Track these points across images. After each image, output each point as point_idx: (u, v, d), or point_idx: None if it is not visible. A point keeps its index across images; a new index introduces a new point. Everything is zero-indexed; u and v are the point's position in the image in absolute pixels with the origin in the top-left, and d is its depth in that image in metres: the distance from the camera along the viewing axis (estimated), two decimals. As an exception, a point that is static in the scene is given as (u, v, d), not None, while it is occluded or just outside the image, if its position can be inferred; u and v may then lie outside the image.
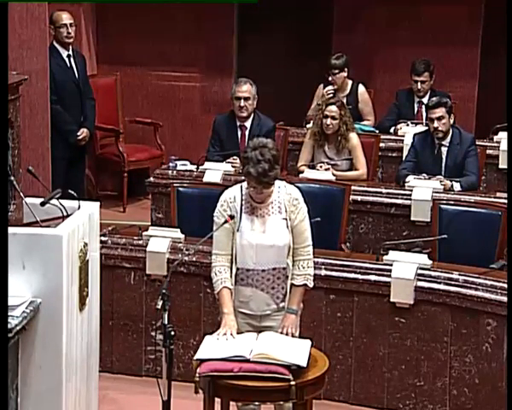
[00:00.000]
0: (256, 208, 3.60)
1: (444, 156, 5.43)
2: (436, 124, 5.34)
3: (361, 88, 6.46)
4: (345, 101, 6.24)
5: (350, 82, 6.46)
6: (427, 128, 5.57)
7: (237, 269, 3.60)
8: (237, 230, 3.58)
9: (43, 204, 3.66)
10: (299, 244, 3.62)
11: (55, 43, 5.93)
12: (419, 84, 6.32)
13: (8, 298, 3.13)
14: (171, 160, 5.73)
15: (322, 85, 6.49)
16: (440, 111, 5.34)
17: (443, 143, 5.41)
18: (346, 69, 6.37)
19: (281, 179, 3.67)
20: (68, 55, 6.04)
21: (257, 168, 3.47)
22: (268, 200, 3.60)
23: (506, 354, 3.78)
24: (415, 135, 5.59)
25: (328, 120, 5.55)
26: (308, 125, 6.05)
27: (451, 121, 5.40)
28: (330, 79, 6.36)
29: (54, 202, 3.65)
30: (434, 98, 5.56)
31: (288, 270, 3.62)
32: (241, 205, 3.59)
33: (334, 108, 5.57)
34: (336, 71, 6.35)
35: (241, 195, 3.61)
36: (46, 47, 4.80)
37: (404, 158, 5.69)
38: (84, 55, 6.50)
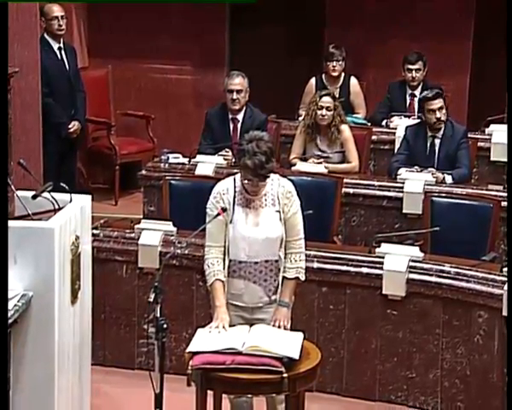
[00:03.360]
0: (249, 200, 3.60)
1: (437, 149, 5.44)
2: (438, 114, 5.35)
3: (353, 80, 6.48)
4: (337, 93, 6.26)
5: (342, 74, 6.48)
6: (419, 121, 5.58)
7: (230, 261, 3.60)
8: (230, 222, 3.57)
9: (34, 197, 3.65)
10: (292, 237, 3.62)
11: (45, 35, 5.90)
12: (414, 72, 6.32)
13: (7, 295, 3.12)
14: (163, 153, 5.72)
15: (313, 80, 6.49)
16: (440, 102, 5.36)
17: (437, 135, 5.43)
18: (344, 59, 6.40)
19: (274, 172, 3.67)
20: (59, 48, 6.01)
21: (253, 160, 3.47)
22: (261, 192, 3.60)
23: (506, 350, 3.79)
24: (407, 127, 5.60)
25: (324, 111, 5.55)
26: (300, 118, 6.05)
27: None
28: (331, 66, 6.34)
29: (45, 195, 3.64)
30: (430, 90, 5.55)
31: (280, 263, 3.62)
32: (234, 197, 3.59)
33: (328, 98, 5.58)
34: (340, 58, 6.35)
35: (234, 187, 3.60)
36: (37, 40, 4.78)
37: (396, 150, 5.70)
38: (76, 48, 6.48)
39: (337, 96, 6.06)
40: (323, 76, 6.49)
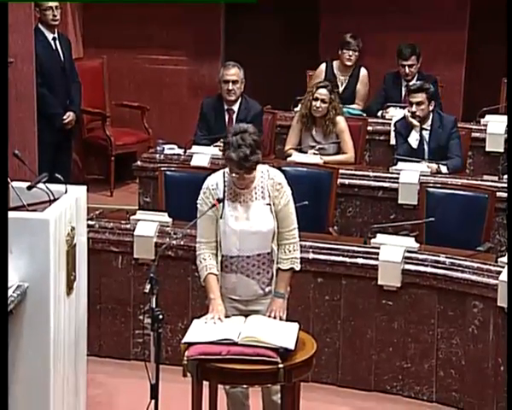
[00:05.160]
0: (239, 195, 3.58)
1: (426, 140, 5.45)
2: (414, 108, 5.38)
3: (363, 71, 6.51)
4: (345, 81, 6.28)
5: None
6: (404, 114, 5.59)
7: (222, 256, 3.60)
8: (220, 217, 3.56)
9: (29, 188, 3.64)
10: (285, 228, 3.61)
11: (40, 25, 5.87)
12: (406, 68, 6.34)
13: (7, 290, 3.12)
14: (159, 143, 5.72)
15: (324, 65, 6.49)
16: (421, 96, 5.37)
17: (424, 126, 5.44)
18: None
19: (264, 163, 3.66)
20: (54, 38, 5.99)
21: (238, 153, 3.46)
22: (251, 185, 3.59)
23: (506, 343, 3.81)
24: (396, 123, 5.61)
25: (318, 103, 5.55)
26: (296, 109, 6.05)
27: (431, 108, 5.41)
28: (347, 55, 6.37)
29: (40, 186, 3.63)
30: (417, 83, 5.58)
31: (273, 254, 3.62)
32: (224, 192, 3.57)
33: (324, 91, 5.57)
34: (356, 48, 6.38)
35: (224, 181, 3.59)
36: (31, 30, 4.77)
37: (394, 144, 5.68)
38: (70, 39, 6.45)
39: (345, 84, 6.19)
40: (334, 63, 6.49)
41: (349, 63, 6.42)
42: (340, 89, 6.43)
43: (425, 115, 5.39)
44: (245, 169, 3.49)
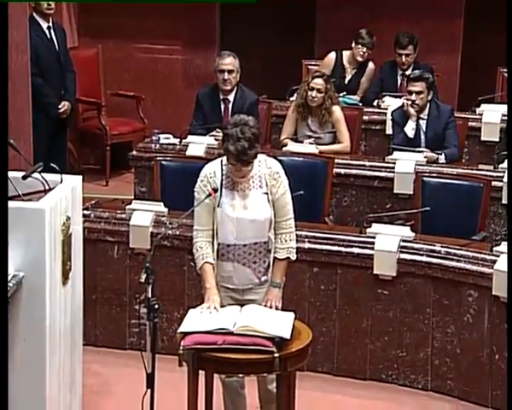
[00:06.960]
0: (236, 183, 3.58)
1: (423, 129, 5.45)
2: (414, 97, 5.38)
3: (371, 65, 6.52)
4: (352, 72, 6.33)
5: None
6: (402, 102, 5.59)
7: (218, 244, 3.60)
8: (218, 205, 3.56)
9: (24, 178, 3.63)
10: (281, 218, 3.61)
11: (34, 14, 5.85)
12: (403, 57, 6.34)
13: (7, 281, 3.12)
14: (154, 133, 5.70)
15: (333, 54, 6.48)
16: (420, 86, 5.36)
17: (421, 115, 5.44)
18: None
19: (261, 153, 3.66)
20: (48, 27, 5.97)
21: (236, 146, 3.46)
22: (248, 174, 3.59)
23: (506, 337, 3.82)
24: (393, 112, 5.60)
25: (314, 93, 5.54)
26: (291, 98, 6.05)
27: (429, 97, 5.41)
28: (361, 51, 6.38)
29: (36, 175, 3.62)
30: (417, 71, 5.58)
31: (269, 243, 3.62)
32: (222, 180, 3.58)
33: (320, 80, 5.56)
34: (370, 46, 6.40)
35: (222, 169, 3.59)
36: (26, 20, 4.74)
37: (391, 134, 5.68)
38: (65, 28, 6.43)
39: (351, 75, 6.26)
40: (344, 53, 6.49)
41: (360, 59, 6.45)
42: (347, 79, 6.45)
43: (423, 105, 5.39)
44: (242, 162, 3.50)
